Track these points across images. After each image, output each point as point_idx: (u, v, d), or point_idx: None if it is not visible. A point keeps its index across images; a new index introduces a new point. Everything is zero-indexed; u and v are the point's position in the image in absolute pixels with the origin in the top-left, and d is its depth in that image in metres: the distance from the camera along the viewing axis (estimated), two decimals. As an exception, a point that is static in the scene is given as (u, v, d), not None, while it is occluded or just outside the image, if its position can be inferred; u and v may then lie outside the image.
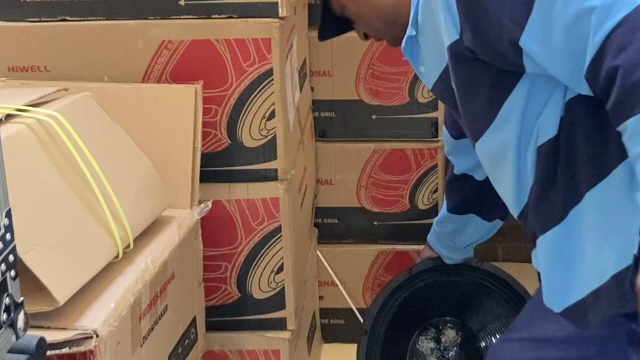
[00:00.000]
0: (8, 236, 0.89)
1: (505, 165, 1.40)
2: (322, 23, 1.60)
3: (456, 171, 1.85)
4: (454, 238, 1.93)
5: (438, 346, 2.01)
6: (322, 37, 1.64)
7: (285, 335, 1.90)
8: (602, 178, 1.29)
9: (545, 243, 1.38)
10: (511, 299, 1.96)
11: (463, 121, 1.49)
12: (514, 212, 1.46)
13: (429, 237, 1.98)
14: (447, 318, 2.00)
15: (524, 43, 1.23)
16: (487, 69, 1.33)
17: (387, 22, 1.50)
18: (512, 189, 1.42)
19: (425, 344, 2.00)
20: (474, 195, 1.85)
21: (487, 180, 1.80)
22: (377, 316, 1.98)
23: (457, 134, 1.76)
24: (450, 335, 2.00)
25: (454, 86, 1.41)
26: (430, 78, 1.49)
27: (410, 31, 1.44)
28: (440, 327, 2.01)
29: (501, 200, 1.88)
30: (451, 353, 2.01)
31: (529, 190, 1.39)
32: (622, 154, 1.23)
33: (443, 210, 1.93)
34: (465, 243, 1.94)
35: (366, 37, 1.58)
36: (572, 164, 1.32)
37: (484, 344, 1.98)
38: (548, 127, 1.32)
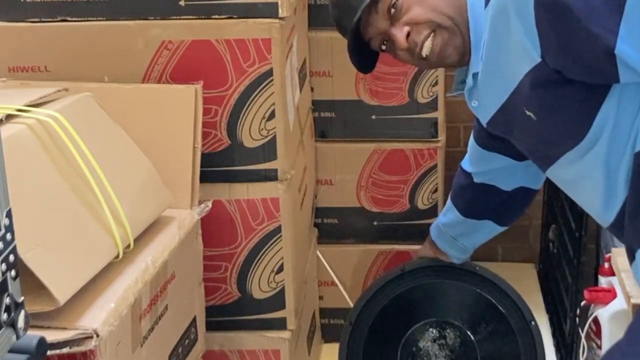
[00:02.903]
0: (8, 236, 0.89)
1: (592, 180, 1.33)
2: (358, 51, 1.49)
3: (476, 180, 1.81)
4: (463, 240, 1.92)
5: (433, 347, 2.01)
6: (365, 68, 1.56)
7: (285, 335, 1.90)
8: None
9: None
10: (506, 306, 1.96)
11: (533, 144, 1.42)
12: (603, 223, 1.39)
13: (434, 238, 1.97)
14: (442, 319, 1.99)
15: (619, 50, 1.13)
16: (573, 87, 1.25)
17: (454, 6, 1.39)
18: (600, 202, 1.34)
19: (419, 344, 2.00)
20: (496, 204, 1.82)
21: (514, 190, 1.77)
22: (364, 309, 1.99)
23: (486, 143, 1.72)
24: (444, 336, 2.00)
25: (528, 112, 1.32)
26: (485, 112, 1.44)
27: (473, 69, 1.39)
28: (435, 328, 2.00)
29: (521, 208, 1.84)
30: (445, 354, 2.00)
31: (621, 203, 1.31)
32: None
33: (452, 213, 1.91)
34: (474, 244, 1.94)
35: (424, 59, 1.43)
36: None
37: (478, 348, 1.98)
38: None
